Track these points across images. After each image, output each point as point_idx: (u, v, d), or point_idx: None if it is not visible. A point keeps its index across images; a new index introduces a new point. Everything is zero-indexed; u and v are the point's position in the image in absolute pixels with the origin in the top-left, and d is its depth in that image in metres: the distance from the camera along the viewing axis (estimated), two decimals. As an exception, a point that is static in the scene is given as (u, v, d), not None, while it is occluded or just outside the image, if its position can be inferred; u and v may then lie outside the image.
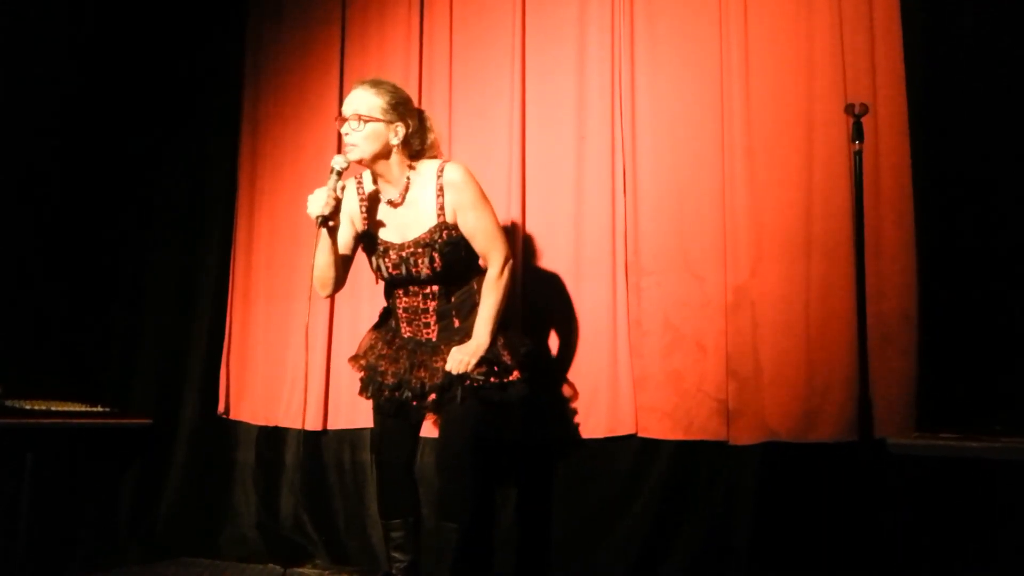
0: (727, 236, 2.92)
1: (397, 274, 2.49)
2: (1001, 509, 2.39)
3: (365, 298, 3.47)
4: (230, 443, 3.70)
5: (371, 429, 2.73)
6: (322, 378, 3.48)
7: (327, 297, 2.70)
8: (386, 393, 2.50)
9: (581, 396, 3.05)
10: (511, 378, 2.49)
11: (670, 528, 2.90)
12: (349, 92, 2.49)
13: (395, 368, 2.50)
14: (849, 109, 2.35)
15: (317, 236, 2.43)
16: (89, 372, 3.67)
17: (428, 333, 2.52)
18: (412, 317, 2.53)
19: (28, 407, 2.95)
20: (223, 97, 3.89)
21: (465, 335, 2.48)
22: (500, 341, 2.48)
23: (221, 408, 3.70)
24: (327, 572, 3.31)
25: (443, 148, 3.36)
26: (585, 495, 3.02)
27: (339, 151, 2.49)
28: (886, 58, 2.77)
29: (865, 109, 2.33)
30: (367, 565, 3.30)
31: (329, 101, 3.65)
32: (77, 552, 3.30)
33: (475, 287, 2.52)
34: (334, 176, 2.39)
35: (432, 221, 2.45)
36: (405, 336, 2.56)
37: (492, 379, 2.45)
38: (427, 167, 2.49)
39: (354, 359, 2.63)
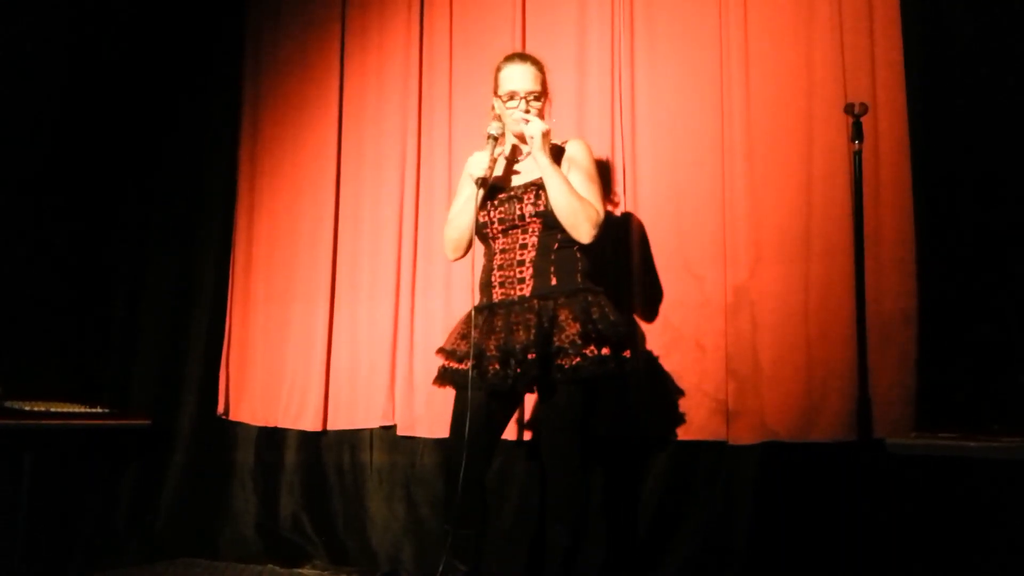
0: (726, 236, 2.92)
1: (503, 216, 2.46)
2: (1000, 509, 2.39)
3: (364, 299, 3.49)
4: (229, 444, 3.70)
5: (447, 438, 2.56)
6: (321, 379, 3.48)
7: (456, 260, 2.60)
8: (495, 367, 2.34)
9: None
10: (625, 353, 2.37)
11: (669, 527, 2.90)
12: (505, 67, 2.58)
13: (495, 339, 2.36)
14: (849, 109, 2.34)
15: (477, 197, 2.43)
16: (88, 373, 3.68)
17: (522, 288, 2.42)
18: (507, 274, 2.45)
19: (27, 408, 2.96)
20: (223, 97, 3.89)
21: (562, 295, 2.37)
22: (611, 312, 2.37)
23: (220, 409, 3.71)
24: (326, 573, 3.31)
25: (440, 146, 3.39)
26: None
27: (497, 119, 2.55)
28: (886, 58, 2.77)
29: (865, 109, 2.33)
30: (366, 566, 3.30)
31: (329, 102, 3.66)
32: (76, 553, 3.30)
33: (577, 254, 2.44)
34: (491, 142, 2.46)
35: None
36: (495, 301, 2.45)
37: (605, 349, 2.32)
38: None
39: (441, 351, 2.52)
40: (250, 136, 3.84)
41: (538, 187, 2.44)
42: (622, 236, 3.05)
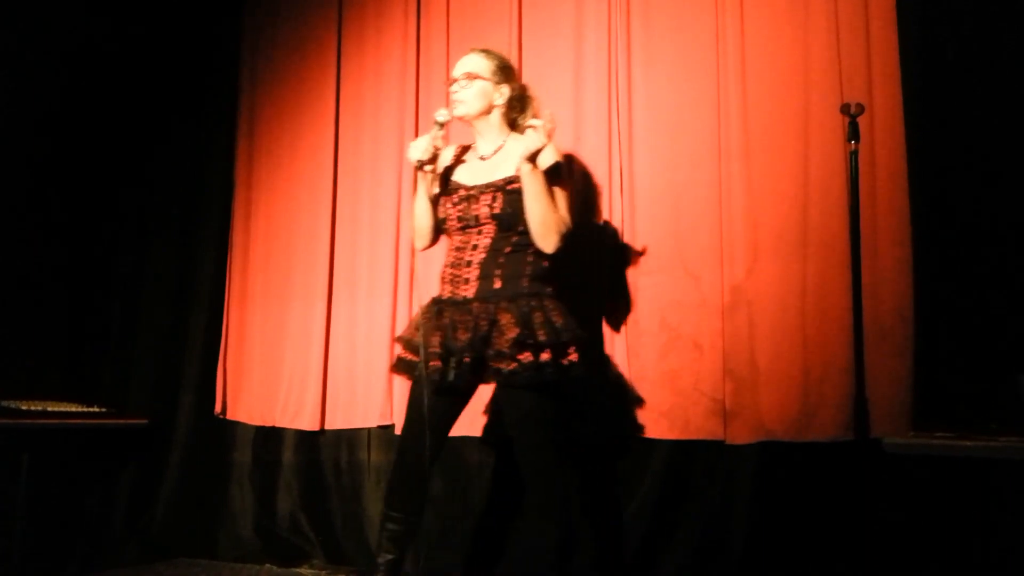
0: (723, 236, 2.93)
1: (460, 214, 2.47)
2: (997, 508, 2.40)
3: (362, 298, 3.48)
4: (227, 443, 3.69)
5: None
6: (319, 378, 3.48)
7: (423, 250, 2.61)
8: (435, 364, 2.36)
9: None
10: (569, 358, 2.34)
11: (666, 528, 2.90)
12: (457, 61, 2.58)
13: (439, 336, 2.39)
14: (845, 109, 2.35)
15: (414, 182, 2.48)
16: (86, 372, 3.68)
17: (466, 289, 2.43)
18: (456, 273, 2.46)
19: (24, 407, 2.96)
20: (220, 98, 3.88)
21: (504, 299, 2.37)
22: (557, 316, 2.36)
23: (218, 408, 3.70)
24: (324, 572, 3.31)
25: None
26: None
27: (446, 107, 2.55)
28: (882, 58, 2.77)
29: (861, 109, 2.33)
30: (364, 565, 3.29)
31: (326, 102, 3.65)
32: (74, 553, 3.30)
33: (529, 258, 2.43)
34: (436, 127, 2.48)
35: (509, 172, 2.44)
36: (444, 297, 2.47)
37: (544, 355, 2.30)
38: (526, 138, 2.42)
39: (400, 339, 2.56)
40: (247, 136, 3.83)
41: (497, 189, 2.44)
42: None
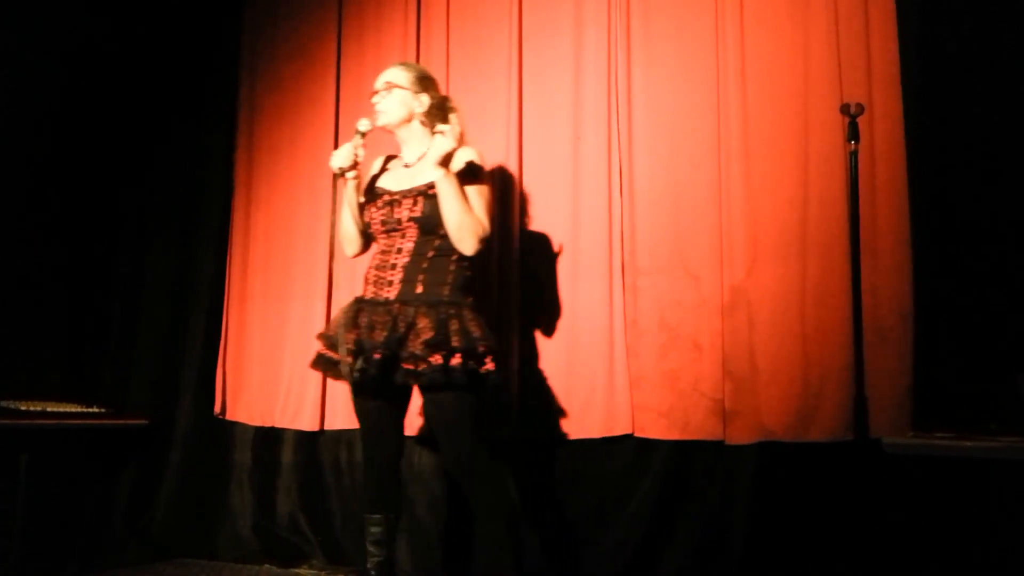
0: (723, 236, 2.92)
1: (384, 218, 2.54)
2: (997, 508, 2.40)
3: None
4: (227, 444, 3.70)
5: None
6: (318, 378, 3.47)
7: (353, 256, 2.68)
8: (348, 361, 2.42)
9: (577, 396, 3.04)
10: (486, 367, 2.41)
11: (666, 528, 2.90)
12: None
13: (356, 334, 2.45)
14: (845, 109, 2.35)
15: (335, 189, 2.55)
16: (85, 373, 3.68)
17: (389, 291, 2.49)
18: (380, 275, 2.53)
19: (24, 408, 2.96)
20: (219, 97, 3.89)
21: (424, 304, 2.42)
22: (475, 327, 2.42)
23: (217, 409, 3.70)
24: (323, 572, 3.31)
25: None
26: (581, 495, 3.02)
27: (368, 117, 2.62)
28: (882, 58, 2.77)
29: (861, 109, 2.33)
30: (363, 565, 3.28)
31: (326, 103, 3.65)
32: (74, 553, 3.29)
33: (452, 266, 2.51)
34: (358, 136, 2.55)
35: (432, 177, 2.48)
36: (366, 297, 2.53)
37: (454, 360, 2.37)
38: (435, 143, 2.52)
39: (321, 336, 2.61)
40: (246, 136, 3.83)
41: (418, 194, 2.50)
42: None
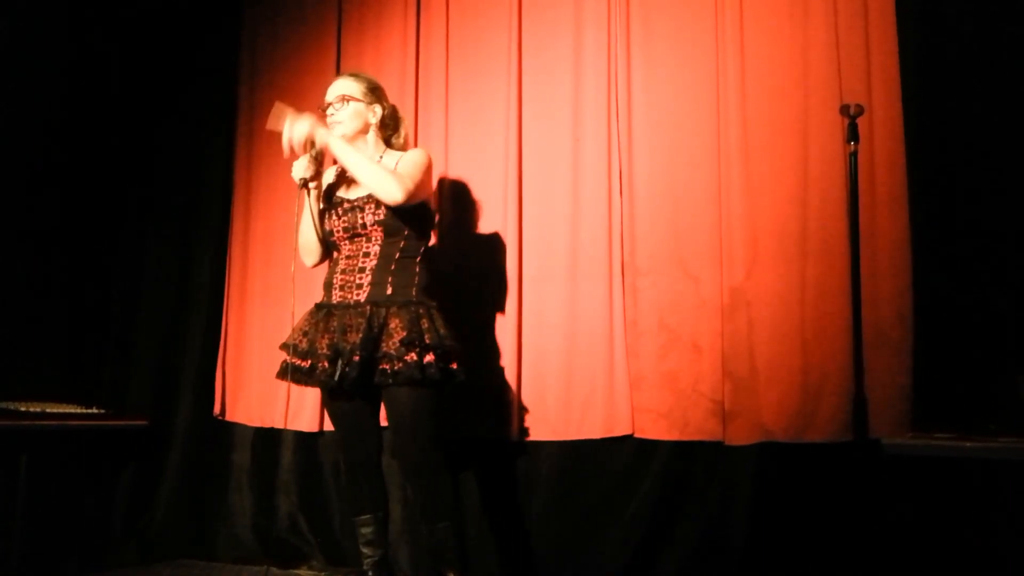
0: (723, 237, 2.92)
1: (346, 225, 2.59)
2: (997, 508, 2.40)
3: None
4: (226, 444, 3.69)
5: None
6: (318, 379, 3.47)
7: (313, 266, 2.75)
8: (324, 365, 2.49)
9: (577, 396, 3.04)
10: (451, 365, 2.52)
11: (666, 528, 2.90)
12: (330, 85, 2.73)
13: (328, 338, 2.51)
14: (844, 110, 2.35)
15: (299, 200, 2.61)
16: (85, 373, 3.67)
17: (359, 294, 2.55)
18: (348, 279, 2.58)
19: (23, 409, 2.95)
20: (219, 97, 3.88)
21: (395, 305, 2.50)
22: (443, 327, 2.52)
23: (217, 409, 3.70)
24: (323, 573, 3.31)
25: (437, 148, 3.38)
26: (581, 495, 3.02)
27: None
28: (881, 59, 2.77)
29: (860, 110, 2.33)
30: (362, 567, 3.29)
31: (325, 102, 3.65)
32: (73, 554, 3.29)
33: (416, 268, 2.58)
34: (311, 147, 2.59)
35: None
36: (334, 302, 2.58)
37: (428, 357, 2.46)
38: (398, 152, 2.71)
39: (284, 346, 2.64)
40: (246, 136, 3.83)
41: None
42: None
